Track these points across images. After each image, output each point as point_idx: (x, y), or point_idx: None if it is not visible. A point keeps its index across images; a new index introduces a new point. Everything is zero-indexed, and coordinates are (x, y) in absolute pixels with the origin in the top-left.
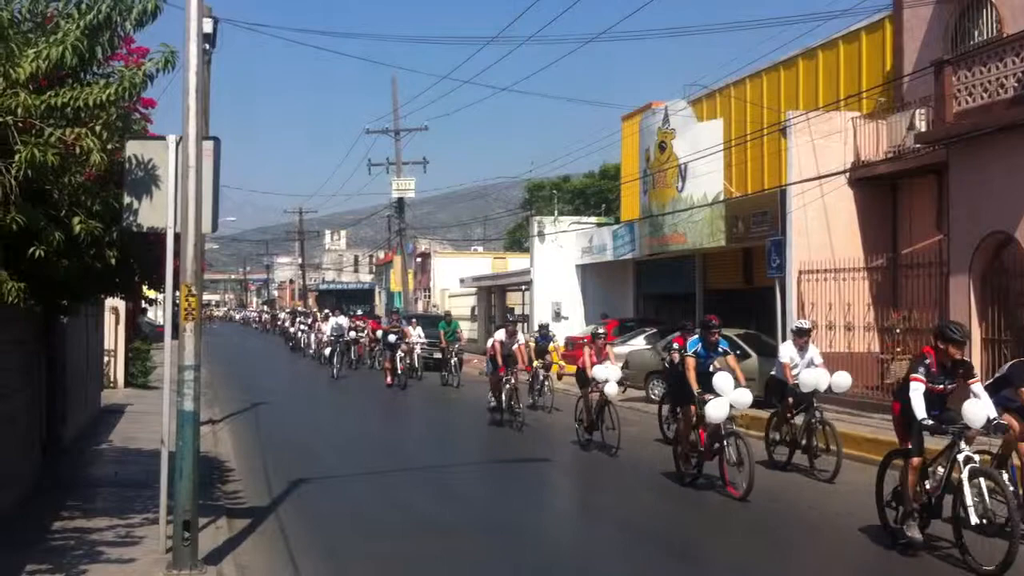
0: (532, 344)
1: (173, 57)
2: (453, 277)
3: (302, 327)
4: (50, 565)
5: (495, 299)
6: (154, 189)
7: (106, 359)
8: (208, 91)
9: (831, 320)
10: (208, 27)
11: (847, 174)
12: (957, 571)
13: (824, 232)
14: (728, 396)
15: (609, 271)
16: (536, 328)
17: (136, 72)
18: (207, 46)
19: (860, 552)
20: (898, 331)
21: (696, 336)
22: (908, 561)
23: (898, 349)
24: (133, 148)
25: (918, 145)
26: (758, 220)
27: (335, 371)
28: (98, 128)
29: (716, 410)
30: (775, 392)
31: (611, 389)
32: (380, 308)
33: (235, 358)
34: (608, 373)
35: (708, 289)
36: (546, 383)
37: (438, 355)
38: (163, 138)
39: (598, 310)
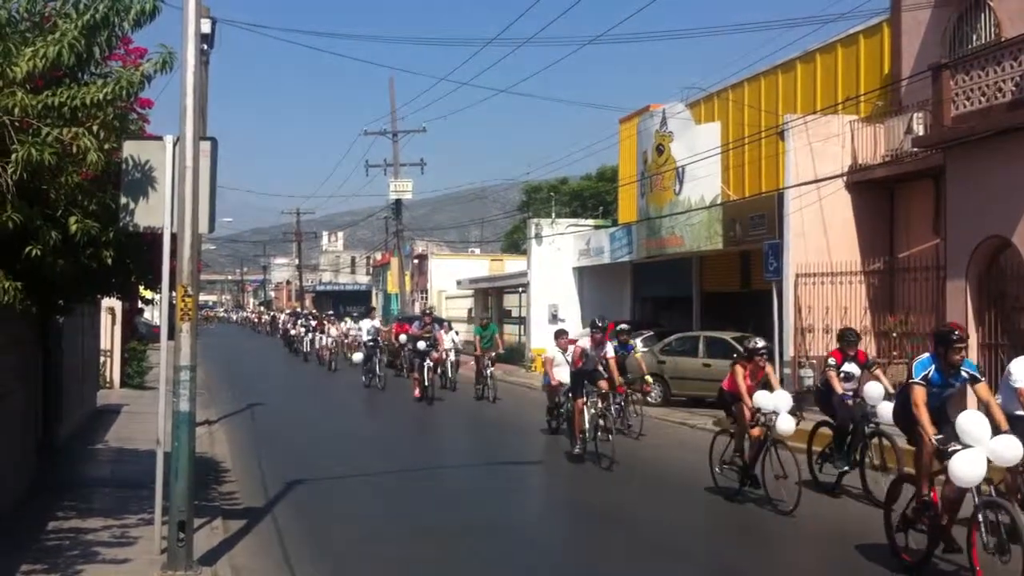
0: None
1: (171, 58)
2: (450, 279)
3: (304, 329)
4: (45, 565)
5: (492, 301)
6: (151, 189)
7: (102, 359)
8: (206, 91)
9: (828, 323)
10: (206, 27)
11: (844, 178)
12: None
13: (821, 235)
14: (984, 446)
15: (606, 273)
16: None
17: (134, 72)
18: (205, 46)
19: None
20: (895, 335)
21: (927, 355)
22: None
23: (895, 353)
24: (130, 148)
25: (915, 149)
26: (755, 223)
27: (378, 379)
28: (95, 128)
29: (968, 467)
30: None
31: (785, 424)
32: (377, 310)
33: (238, 365)
34: (778, 402)
35: (705, 292)
36: (632, 403)
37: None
38: (160, 138)
39: (595, 313)
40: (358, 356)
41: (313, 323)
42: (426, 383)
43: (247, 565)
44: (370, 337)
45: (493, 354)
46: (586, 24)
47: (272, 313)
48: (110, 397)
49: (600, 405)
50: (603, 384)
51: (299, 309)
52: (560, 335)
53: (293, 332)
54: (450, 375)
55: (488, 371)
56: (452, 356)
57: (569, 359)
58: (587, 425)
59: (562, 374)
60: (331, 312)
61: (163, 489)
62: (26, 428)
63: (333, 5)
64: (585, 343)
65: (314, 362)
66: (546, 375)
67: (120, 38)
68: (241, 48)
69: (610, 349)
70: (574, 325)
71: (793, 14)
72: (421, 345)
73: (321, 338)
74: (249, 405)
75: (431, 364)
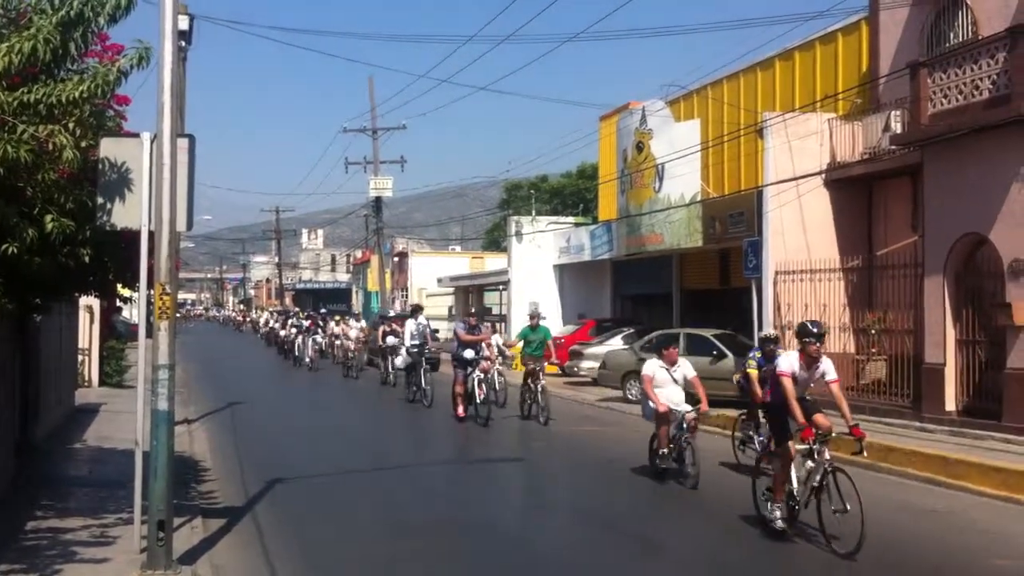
0: (753, 370)
1: (148, 54)
2: (431, 276)
3: (295, 330)
4: (24, 565)
5: (472, 299)
6: (128, 187)
7: (80, 358)
8: (184, 89)
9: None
10: (184, 24)
11: (823, 175)
12: None
13: (800, 233)
14: None
15: (586, 271)
16: (755, 345)
17: (110, 69)
18: (183, 43)
19: None
20: (873, 332)
21: None
22: None
23: (873, 350)
24: (107, 146)
25: (893, 147)
26: (735, 220)
27: (424, 394)
28: (71, 125)
29: None
30: None
31: None
32: (357, 308)
33: (229, 370)
34: None
35: (685, 289)
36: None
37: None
38: (137, 135)
39: (575, 310)
40: (400, 361)
41: (306, 323)
42: (477, 398)
43: (227, 564)
44: (416, 341)
45: (545, 363)
46: (567, 21)
47: (257, 311)
48: (88, 396)
49: (827, 455)
50: (822, 420)
51: (288, 308)
52: (667, 344)
53: (283, 333)
54: (496, 387)
55: (539, 385)
56: (499, 364)
57: (677, 376)
58: (795, 484)
59: (671, 396)
60: (323, 310)
61: (142, 488)
62: (4, 427)
63: (314, 2)
64: (792, 360)
65: (307, 368)
66: (646, 401)
67: (96, 34)
68: (220, 44)
69: (830, 368)
70: (555, 323)
71: (772, 12)
72: (468, 353)
73: (316, 340)
74: (230, 406)
75: (480, 375)
